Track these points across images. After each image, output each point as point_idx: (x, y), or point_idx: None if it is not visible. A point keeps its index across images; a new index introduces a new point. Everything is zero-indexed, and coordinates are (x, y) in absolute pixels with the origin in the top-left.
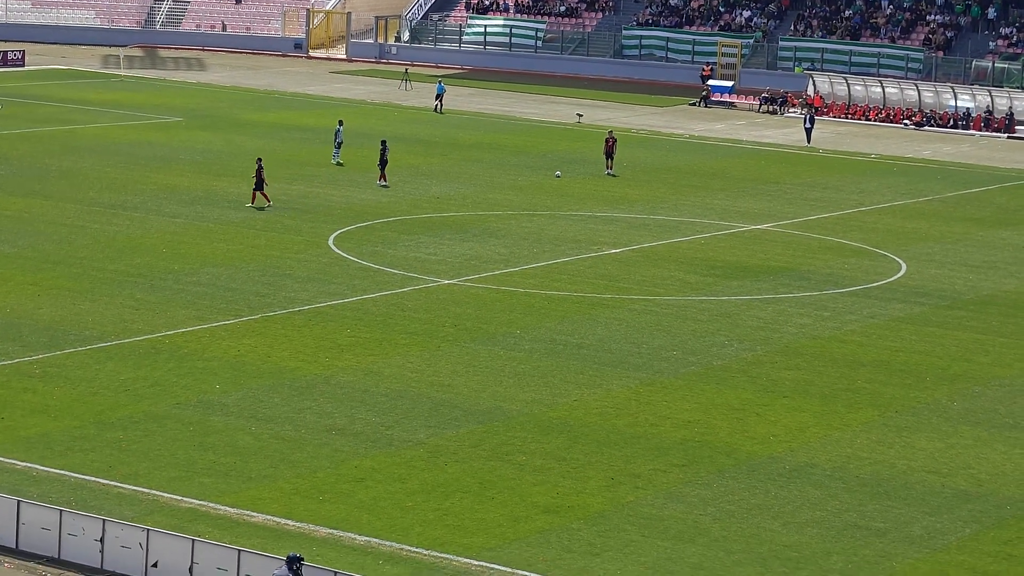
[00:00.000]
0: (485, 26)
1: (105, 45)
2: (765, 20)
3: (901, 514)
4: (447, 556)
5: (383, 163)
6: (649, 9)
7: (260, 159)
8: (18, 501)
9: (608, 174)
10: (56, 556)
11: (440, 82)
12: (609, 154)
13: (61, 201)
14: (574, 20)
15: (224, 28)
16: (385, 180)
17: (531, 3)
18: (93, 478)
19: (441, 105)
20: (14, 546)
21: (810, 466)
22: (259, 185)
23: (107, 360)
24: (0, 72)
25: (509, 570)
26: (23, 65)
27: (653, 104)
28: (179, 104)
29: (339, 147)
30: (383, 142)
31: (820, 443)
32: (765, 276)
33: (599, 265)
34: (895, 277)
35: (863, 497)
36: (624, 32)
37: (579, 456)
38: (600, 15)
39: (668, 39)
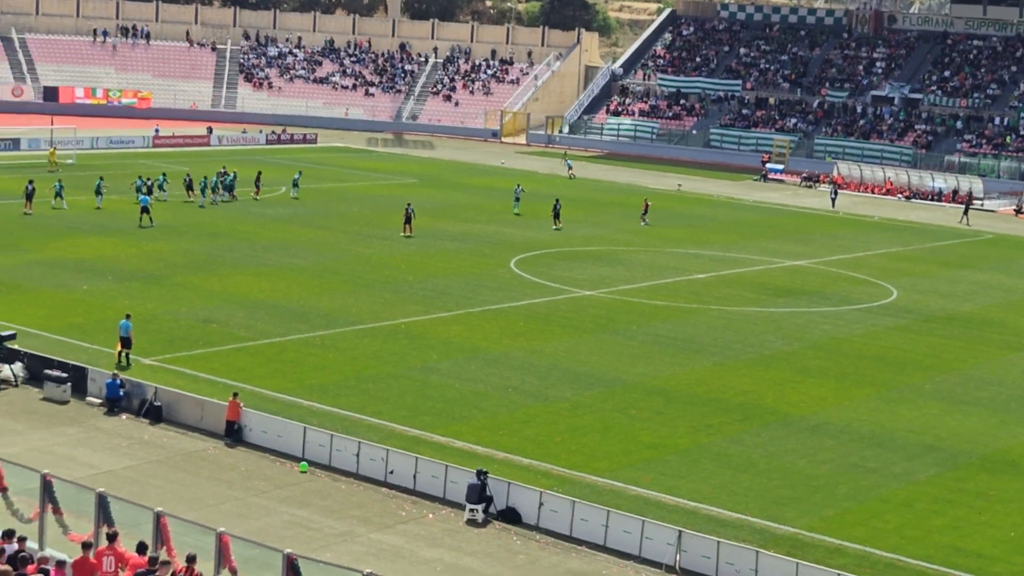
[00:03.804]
0: (619, 124)
1: (368, 131)
2: (806, 125)
3: (888, 458)
4: (582, 474)
5: (556, 213)
6: (728, 116)
7: (409, 204)
8: (304, 427)
9: (645, 224)
10: (328, 464)
11: (568, 160)
12: (645, 212)
13: (337, 232)
14: (677, 122)
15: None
16: (558, 225)
17: (649, 110)
18: (352, 413)
19: (572, 173)
20: (301, 454)
21: (827, 424)
22: (407, 220)
23: (364, 337)
24: (302, 146)
25: (623, 485)
26: (315, 143)
27: (729, 179)
28: (415, 170)
29: (517, 202)
30: (556, 200)
31: (834, 409)
32: (801, 296)
33: (689, 285)
34: (889, 300)
35: (862, 446)
36: (711, 131)
37: (672, 411)
38: (695, 119)
39: (740, 136)
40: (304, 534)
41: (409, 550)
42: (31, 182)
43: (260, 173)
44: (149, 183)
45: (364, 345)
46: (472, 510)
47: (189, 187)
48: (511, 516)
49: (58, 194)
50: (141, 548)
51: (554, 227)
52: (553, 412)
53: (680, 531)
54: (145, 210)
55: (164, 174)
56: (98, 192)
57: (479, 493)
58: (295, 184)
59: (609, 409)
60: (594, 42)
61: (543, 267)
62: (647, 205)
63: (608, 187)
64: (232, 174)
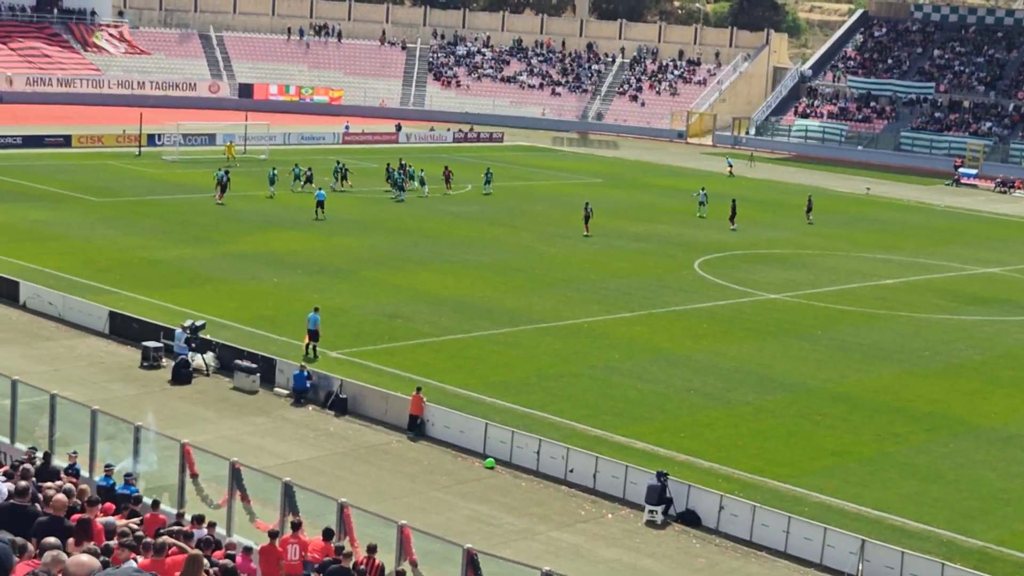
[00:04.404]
0: (807, 127)
1: (554, 130)
2: (1001, 129)
3: None
4: (764, 479)
5: (734, 214)
6: (920, 119)
7: (588, 203)
8: (485, 424)
9: (809, 222)
10: (509, 461)
11: (728, 158)
12: (809, 209)
13: (521, 231)
14: (867, 124)
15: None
16: (733, 225)
17: (838, 112)
18: (533, 411)
19: (731, 171)
20: (482, 450)
21: (1019, 436)
22: (587, 221)
23: (546, 335)
24: (488, 145)
25: (805, 491)
26: (502, 142)
27: (919, 183)
28: (600, 170)
29: (702, 206)
30: (733, 200)
31: None
32: (993, 304)
33: (876, 290)
34: None
35: None
36: (902, 134)
37: (857, 418)
38: (885, 122)
39: (932, 140)
40: (484, 530)
41: (588, 549)
42: (226, 172)
43: (447, 168)
44: (309, 172)
45: (546, 343)
46: (652, 511)
47: (344, 177)
48: (691, 519)
49: (219, 182)
50: (327, 534)
51: (730, 227)
52: (735, 415)
53: (863, 540)
54: (320, 204)
55: (339, 161)
56: (272, 182)
57: (659, 494)
58: (487, 181)
59: (792, 414)
60: (783, 43)
61: (727, 269)
62: (811, 202)
63: (795, 190)
64: (411, 168)
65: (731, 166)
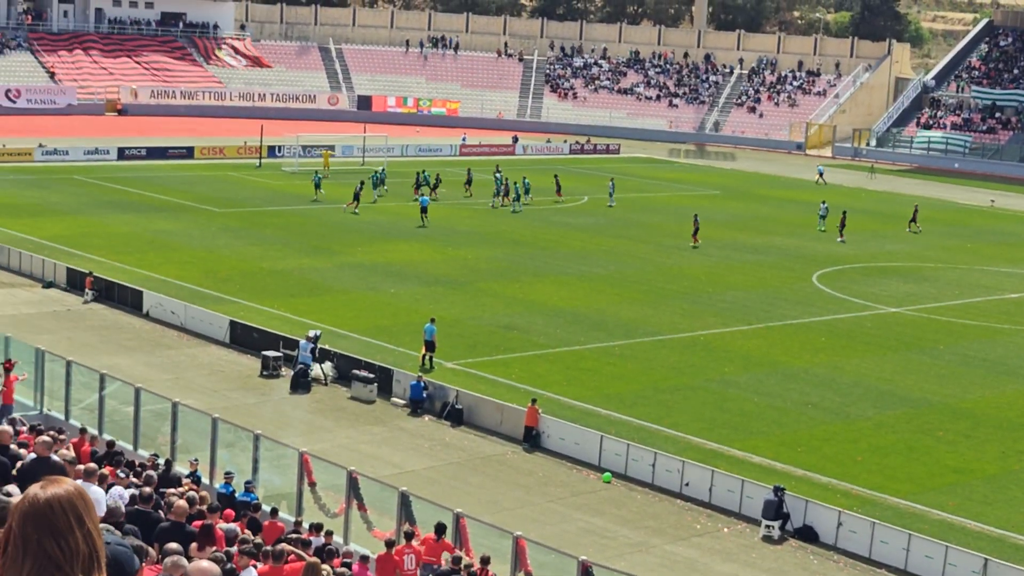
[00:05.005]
0: (929, 138)
1: (670, 142)
2: None
3: None
4: (883, 495)
5: (842, 225)
6: None
7: (696, 214)
8: (600, 436)
9: (913, 232)
10: (624, 474)
11: (820, 166)
12: (913, 219)
13: (637, 242)
14: (992, 135)
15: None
16: (842, 237)
17: (962, 124)
18: (648, 424)
19: (823, 180)
20: (597, 462)
21: None
22: (695, 232)
23: (661, 348)
24: (605, 157)
25: (926, 508)
26: (618, 153)
27: None
28: (717, 182)
29: (823, 219)
30: (844, 212)
31: None
32: None
33: (1000, 305)
34: None
35: None
36: None
37: (980, 435)
38: (1011, 133)
39: None
40: (599, 542)
41: (703, 564)
42: (361, 183)
43: (556, 176)
44: (417, 180)
45: (662, 356)
46: (768, 526)
47: (418, 186)
48: (808, 534)
49: (318, 186)
50: (439, 529)
51: (838, 239)
52: (854, 430)
53: (986, 559)
54: (424, 210)
55: (423, 171)
56: (374, 186)
57: (776, 509)
58: (611, 193)
59: (913, 430)
60: (905, 53)
61: (846, 282)
62: (916, 211)
63: (912, 200)
64: (503, 177)
65: (821, 174)
